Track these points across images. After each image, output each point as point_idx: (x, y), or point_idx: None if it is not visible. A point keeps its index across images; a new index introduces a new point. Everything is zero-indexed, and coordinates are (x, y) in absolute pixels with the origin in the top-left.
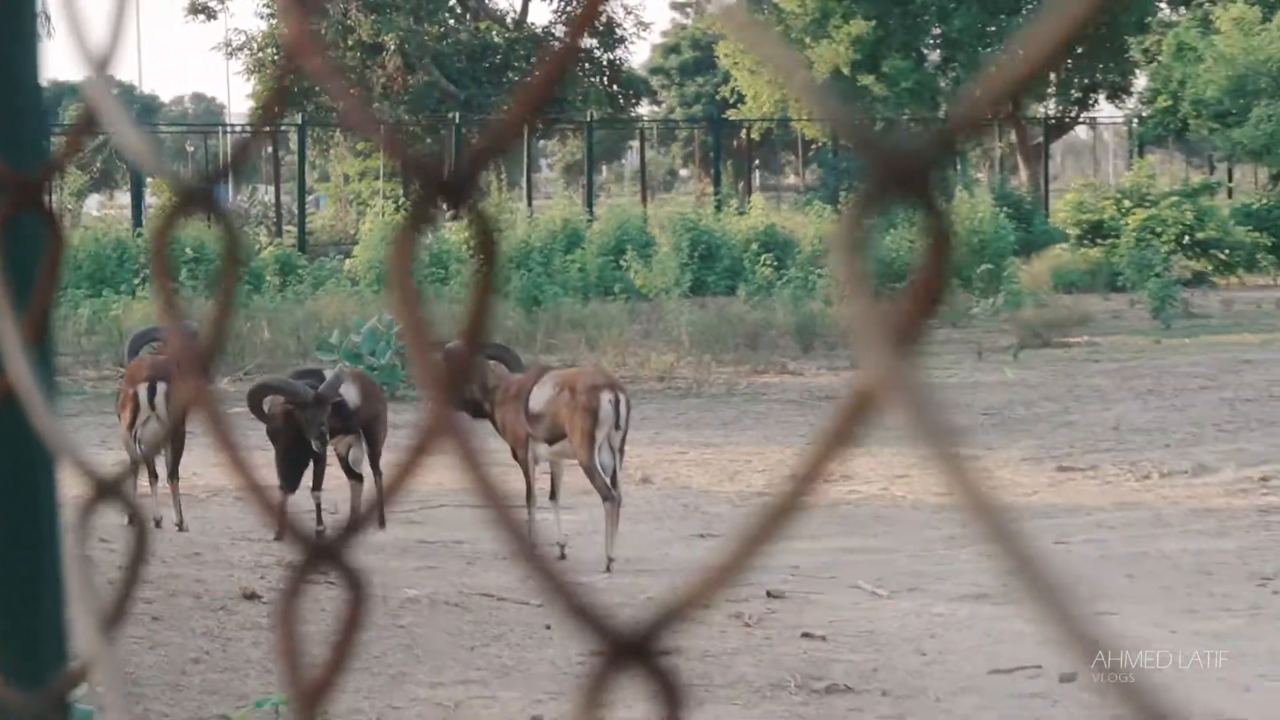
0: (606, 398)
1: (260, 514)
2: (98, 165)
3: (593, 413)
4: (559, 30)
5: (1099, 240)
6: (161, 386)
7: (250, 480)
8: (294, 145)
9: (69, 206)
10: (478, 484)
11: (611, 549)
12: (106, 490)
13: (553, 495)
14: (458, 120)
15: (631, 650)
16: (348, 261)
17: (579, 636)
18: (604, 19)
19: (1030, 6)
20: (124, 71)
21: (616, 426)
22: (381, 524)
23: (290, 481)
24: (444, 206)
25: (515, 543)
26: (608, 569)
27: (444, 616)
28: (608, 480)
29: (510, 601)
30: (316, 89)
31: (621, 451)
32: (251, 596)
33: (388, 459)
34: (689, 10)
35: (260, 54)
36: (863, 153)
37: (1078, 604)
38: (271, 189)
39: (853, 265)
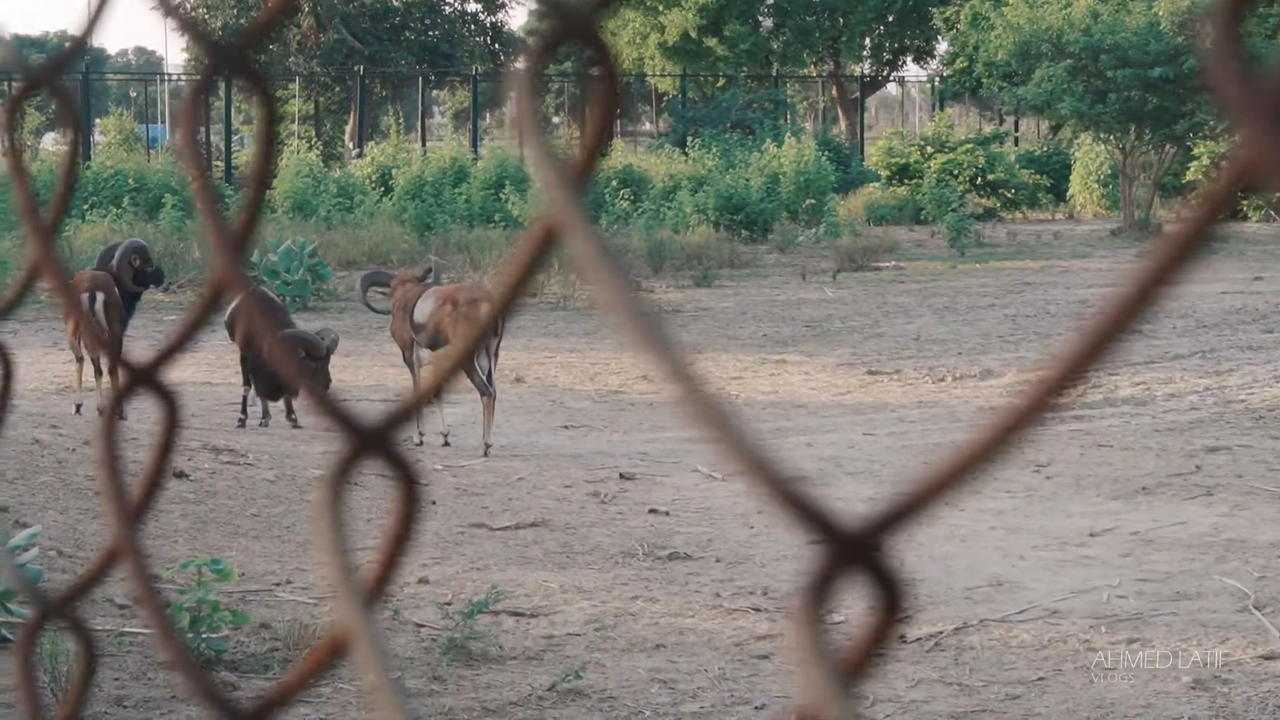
0: (483, 308)
1: (108, 359)
2: (52, 107)
3: (471, 321)
4: None
5: (905, 180)
6: (100, 296)
7: (91, 330)
8: (222, 93)
9: (28, 142)
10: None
11: (488, 437)
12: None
13: None
14: (362, 72)
15: (372, 442)
16: (268, 193)
17: (335, 435)
18: None
19: None
20: (76, 27)
21: (494, 333)
22: (294, 424)
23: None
24: (227, 74)
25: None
26: (485, 454)
27: (345, 493)
28: (484, 379)
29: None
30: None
31: (497, 355)
32: (180, 475)
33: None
34: None
35: (192, 13)
36: (544, 10)
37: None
38: (203, 129)
39: (525, 108)
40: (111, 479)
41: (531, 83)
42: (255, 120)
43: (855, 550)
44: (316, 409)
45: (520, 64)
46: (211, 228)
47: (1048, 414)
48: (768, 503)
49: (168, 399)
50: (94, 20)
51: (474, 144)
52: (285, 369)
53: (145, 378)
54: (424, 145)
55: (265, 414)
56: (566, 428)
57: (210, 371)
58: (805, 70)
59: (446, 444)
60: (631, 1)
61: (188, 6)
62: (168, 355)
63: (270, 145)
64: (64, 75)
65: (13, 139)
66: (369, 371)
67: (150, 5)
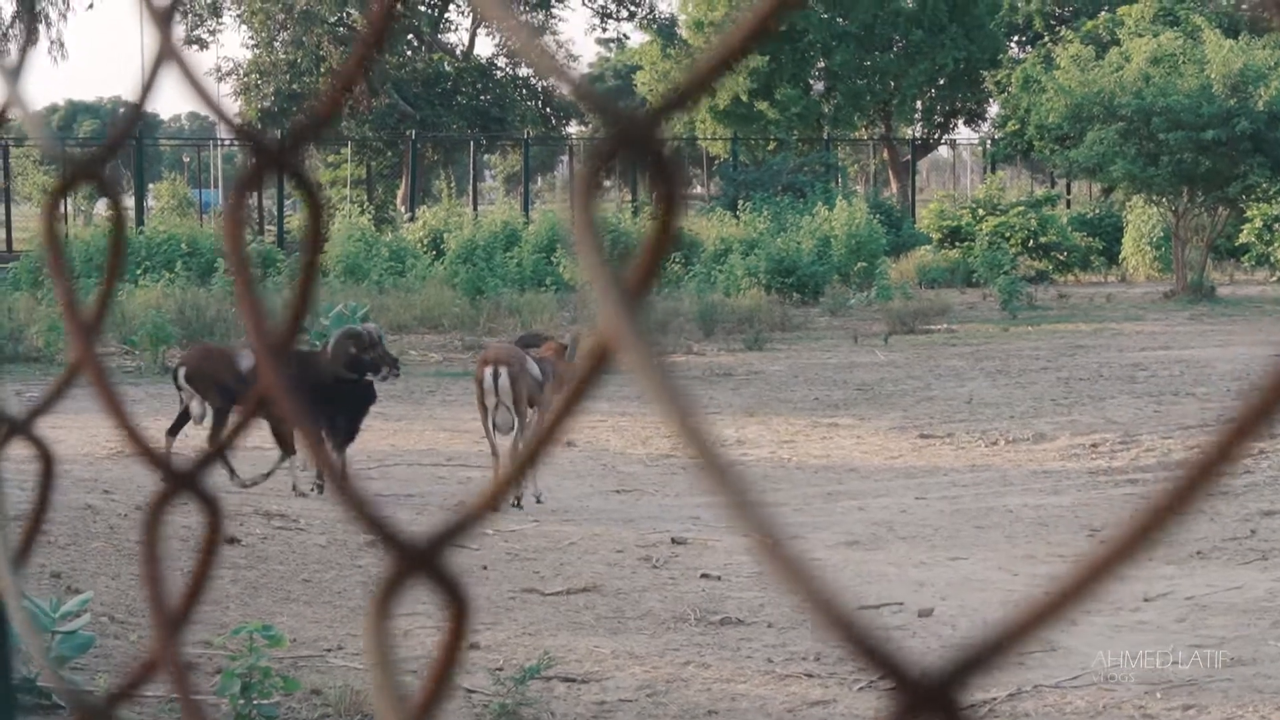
0: (488, 371)
1: (148, 466)
2: (106, 173)
3: (479, 383)
4: (501, 61)
5: (957, 243)
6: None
7: (134, 435)
8: None
9: (82, 208)
10: (299, 428)
11: (535, 490)
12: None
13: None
14: (414, 137)
15: (420, 562)
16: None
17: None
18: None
19: (898, 46)
20: (132, 93)
21: (496, 394)
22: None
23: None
24: (273, 173)
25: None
26: (538, 500)
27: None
28: (511, 436)
29: (453, 546)
30: (294, 110)
31: (520, 413)
32: (232, 540)
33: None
34: (611, 45)
35: (245, 79)
36: (598, 114)
37: (784, 533)
38: (255, 194)
39: (586, 220)
40: (153, 585)
41: (588, 191)
42: (304, 223)
43: (931, 700)
44: (361, 524)
45: (577, 171)
46: (256, 339)
47: (1115, 570)
48: (841, 648)
49: (211, 505)
50: (133, 118)
51: (525, 207)
52: (331, 476)
53: (186, 483)
54: (475, 209)
55: (320, 479)
56: (618, 492)
57: (264, 436)
58: (856, 133)
59: (539, 502)
60: (686, 107)
61: (240, 74)
62: (209, 460)
63: (316, 251)
64: (107, 166)
65: (53, 232)
66: (420, 436)
67: (205, 73)
